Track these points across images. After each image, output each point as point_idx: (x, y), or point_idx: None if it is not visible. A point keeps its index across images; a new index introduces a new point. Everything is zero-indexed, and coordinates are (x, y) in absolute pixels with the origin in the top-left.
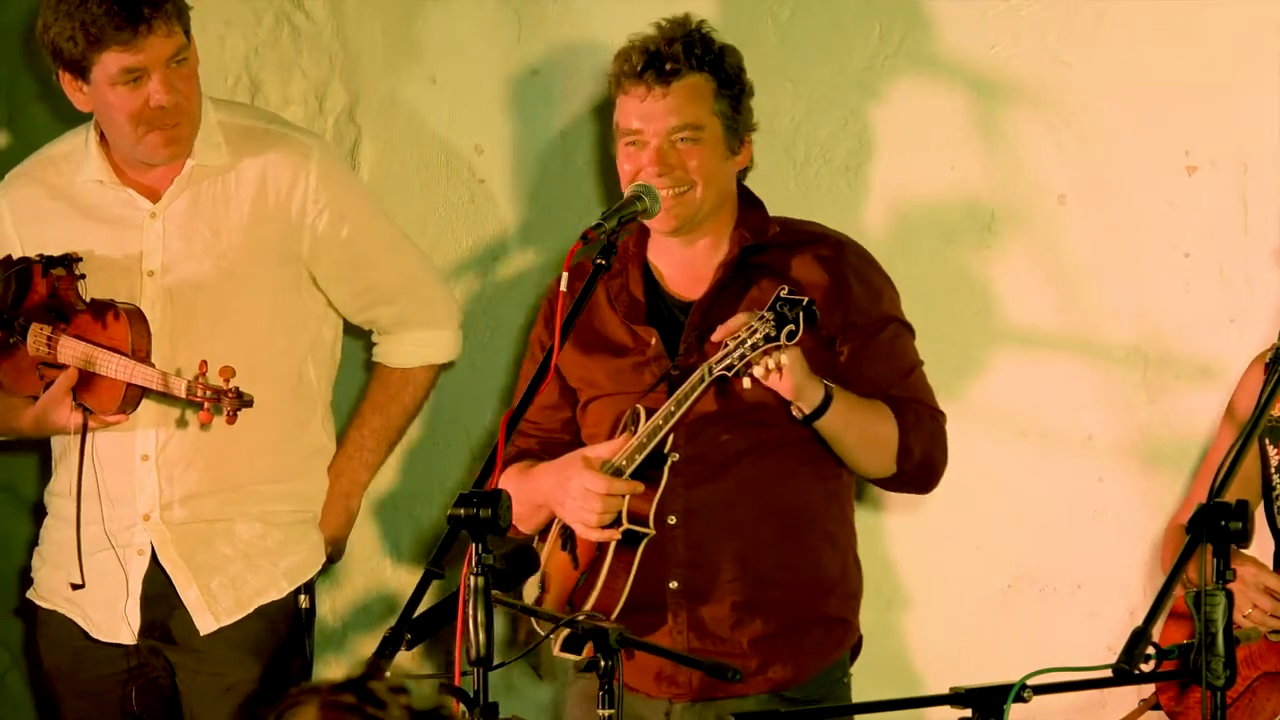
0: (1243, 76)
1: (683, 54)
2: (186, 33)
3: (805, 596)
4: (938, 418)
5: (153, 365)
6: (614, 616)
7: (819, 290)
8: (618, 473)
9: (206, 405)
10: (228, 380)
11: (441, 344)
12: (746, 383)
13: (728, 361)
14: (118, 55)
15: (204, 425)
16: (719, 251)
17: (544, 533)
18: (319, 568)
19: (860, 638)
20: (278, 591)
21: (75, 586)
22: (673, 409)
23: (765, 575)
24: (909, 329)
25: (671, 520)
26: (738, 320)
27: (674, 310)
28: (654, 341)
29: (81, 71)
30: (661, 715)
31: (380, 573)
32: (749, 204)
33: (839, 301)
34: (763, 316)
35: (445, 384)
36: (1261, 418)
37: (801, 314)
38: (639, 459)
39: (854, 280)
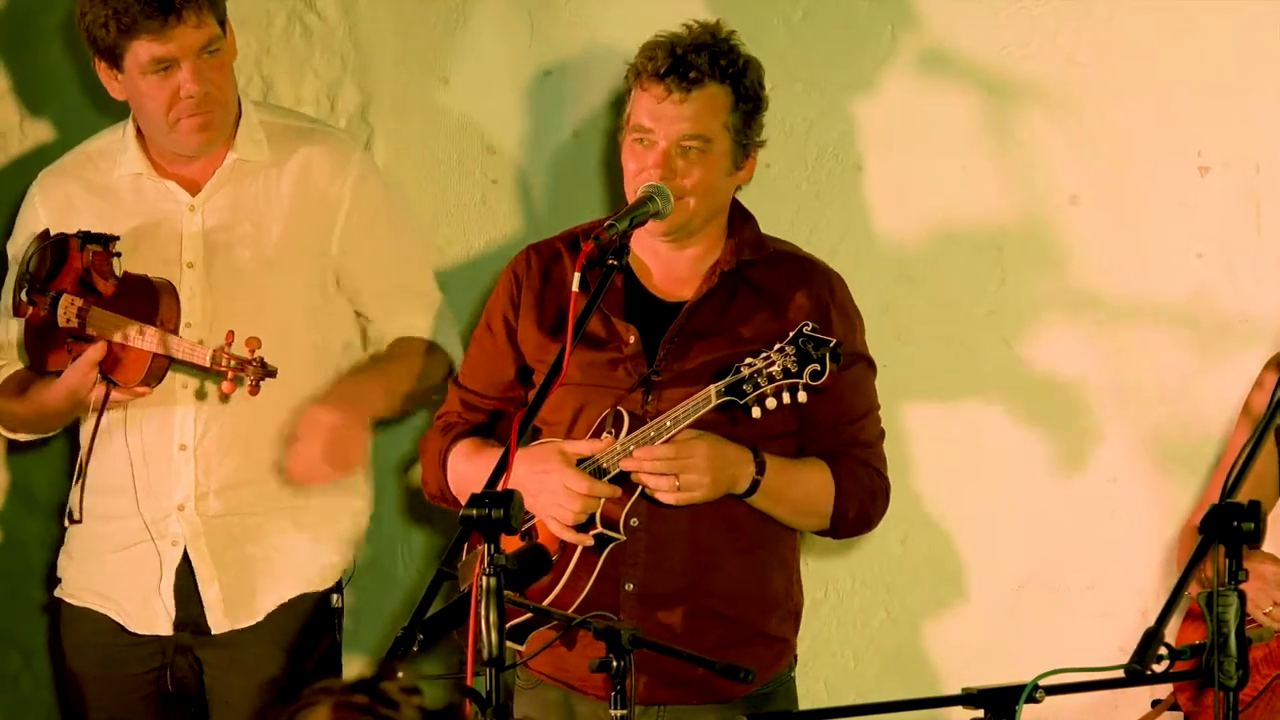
0: (1254, 76)
1: (708, 64)
2: (221, 23)
3: (752, 612)
4: (883, 472)
5: (180, 337)
6: (570, 611)
7: (801, 314)
8: (599, 473)
9: (230, 375)
10: (253, 351)
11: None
12: (756, 413)
13: (739, 388)
14: (148, 44)
15: (224, 397)
16: (709, 257)
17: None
18: (336, 580)
19: (796, 656)
20: (297, 600)
21: (72, 520)
22: (668, 424)
23: (718, 587)
24: (873, 367)
25: (634, 523)
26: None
27: (654, 310)
28: (632, 340)
29: (115, 59)
30: None
31: (394, 571)
32: (741, 215)
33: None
34: (781, 349)
35: None
36: (1274, 418)
37: (828, 355)
38: (621, 465)
39: (835, 312)
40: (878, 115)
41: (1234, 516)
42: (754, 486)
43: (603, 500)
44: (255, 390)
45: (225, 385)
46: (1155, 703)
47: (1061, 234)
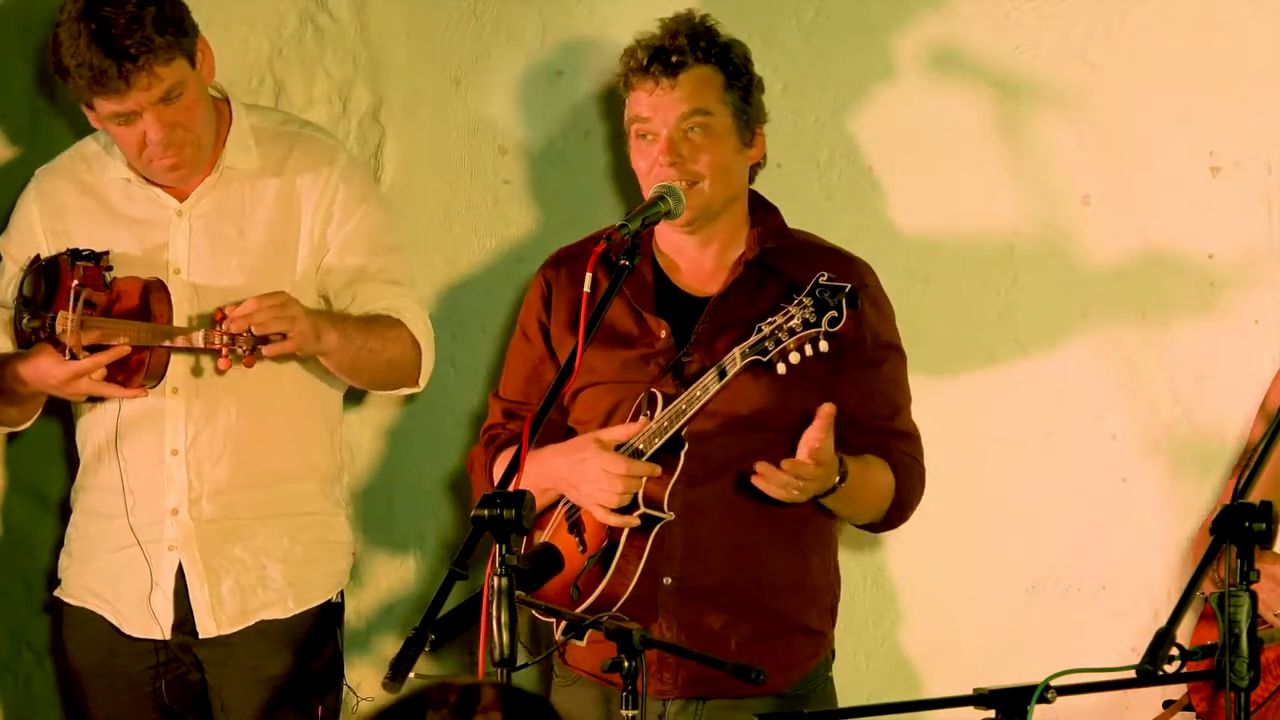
0: (1267, 76)
1: (688, 46)
2: (190, 58)
3: (793, 604)
4: (921, 461)
5: (171, 326)
6: (620, 602)
7: None
8: (636, 455)
9: (224, 351)
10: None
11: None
12: (781, 369)
13: (761, 346)
14: (104, 103)
15: (221, 371)
16: (733, 249)
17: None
18: (329, 597)
19: (833, 650)
20: (283, 610)
21: None
22: (698, 394)
23: (758, 579)
24: (904, 357)
25: (670, 516)
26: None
27: (684, 305)
28: (664, 334)
29: (86, 102)
30: (654, 716)
31: (404, 573)
32: (763, 207)
33: (850, 318)
34: (799, 302)
35: (475, 385)
36: None
37: (844, 300)
38: (658, 443)
39: (867, 301)
40: (889, 116)
41: (1245, 517)
42: (834, 489)
43: (644, 481)
44: (251, 363)
45: (221, 362)
46: (1167, 703)
47: (1074, 234)
